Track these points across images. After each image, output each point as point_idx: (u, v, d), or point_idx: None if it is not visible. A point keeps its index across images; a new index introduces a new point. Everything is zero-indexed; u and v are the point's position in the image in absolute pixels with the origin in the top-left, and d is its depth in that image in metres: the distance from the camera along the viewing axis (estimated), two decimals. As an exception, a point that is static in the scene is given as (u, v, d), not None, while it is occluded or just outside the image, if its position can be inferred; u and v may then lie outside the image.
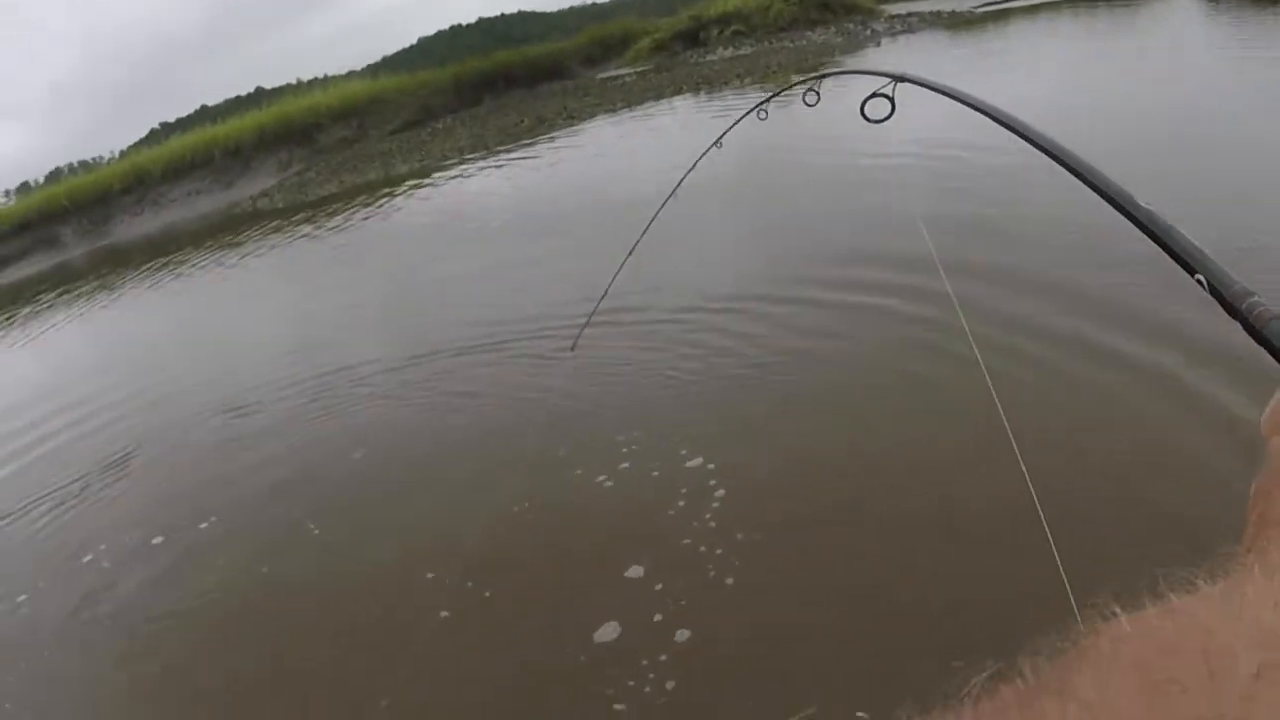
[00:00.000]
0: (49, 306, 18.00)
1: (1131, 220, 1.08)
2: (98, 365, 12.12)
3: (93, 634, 5.36)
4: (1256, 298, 0.86)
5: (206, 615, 5.10)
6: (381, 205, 16.76)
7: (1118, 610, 0.43)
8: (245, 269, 15.15)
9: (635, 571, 4.28)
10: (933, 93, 1.94)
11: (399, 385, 7.63)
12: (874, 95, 2.05)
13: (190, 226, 23.13)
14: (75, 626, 5.46)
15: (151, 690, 4.72)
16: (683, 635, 3.80)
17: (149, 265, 18.52)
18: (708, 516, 4.52)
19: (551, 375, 6.77)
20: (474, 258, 11.06)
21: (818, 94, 3.00)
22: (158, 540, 6.14)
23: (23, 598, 5.97)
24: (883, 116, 2.01)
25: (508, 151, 19.41)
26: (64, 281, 20.73)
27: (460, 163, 19.39)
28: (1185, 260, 0.97)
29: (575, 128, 20.73)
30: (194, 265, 16.76)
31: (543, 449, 5.66)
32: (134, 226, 28.15)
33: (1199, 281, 0.93)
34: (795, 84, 4.06)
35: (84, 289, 18.47)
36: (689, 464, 5.05)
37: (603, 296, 5.21)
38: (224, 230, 19.97)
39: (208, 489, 6.70)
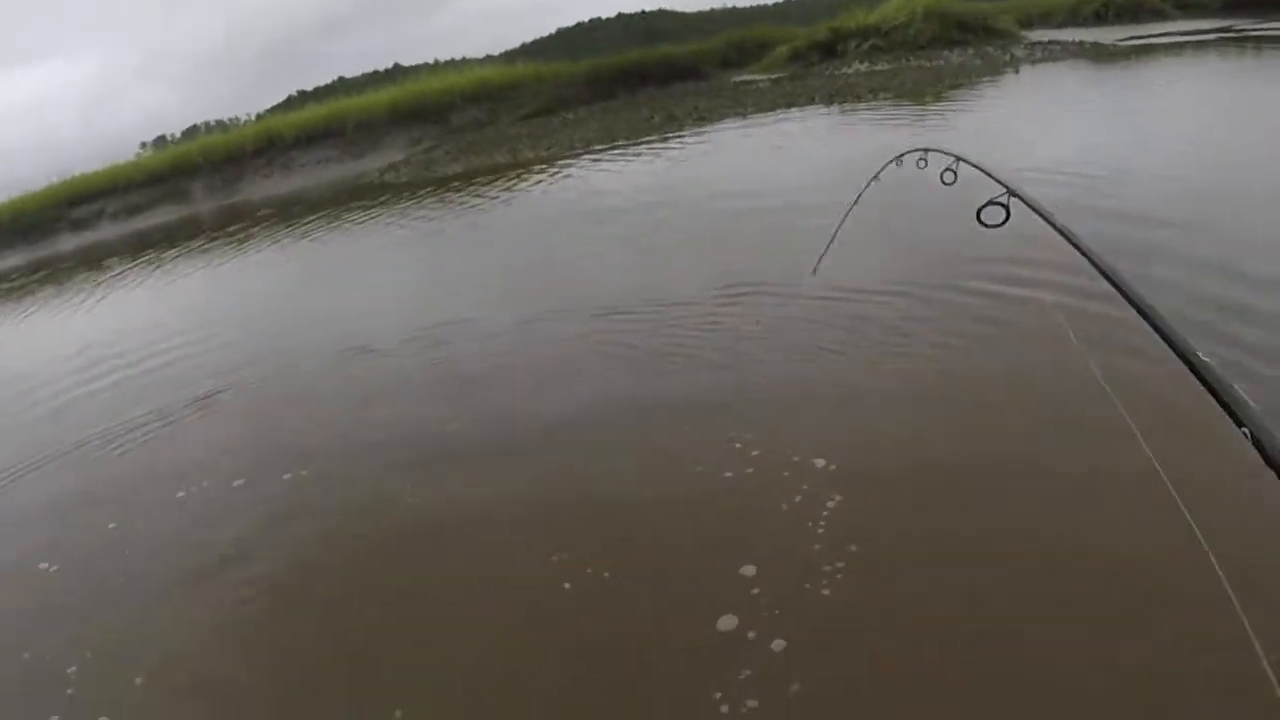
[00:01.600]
0: (176, 257, 18.37)
1: (1189, 368, 1.11)
2: (214, 309, 12.25)
3: (177, 569, 5.22)
4: None
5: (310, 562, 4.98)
6: (509, 186, 16.65)
7: None
8: (370, 234, 15.19)
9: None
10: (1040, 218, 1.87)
11: (523, 343, 7.52)
12: (990, 203, 2.01)
13: (317, 192, 23.44)
14: (162, 560, 5.35)
15: (226, 637, 4.54)
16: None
17: (274, 224, 18.82)
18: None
19: (685, 345, 6.51)
20: (596, 239, 10.81)
21: (954, 173, 2.79)
22: (239, 482, 6.05)
23: (113, 525, 5.89)
24: (998, 222, 1.99)
25: (635, 146, 19.16)
26: (189, 235, 21.19)
27: (587, 153, 19.22)
28: (1234, 412, 1.00)
29: (704, 129, 20.36)
30: (319, 228, 16.90)
31: (670, 422, 5.46)
32: (262, 187, 28.72)
33: (1244, 434, 0.96)
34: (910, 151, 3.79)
35: (210, 245, 18.80)
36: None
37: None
38: (350, 198, 20.14)
39: (316, 433, 6.63)
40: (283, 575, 4.92)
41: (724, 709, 3.19)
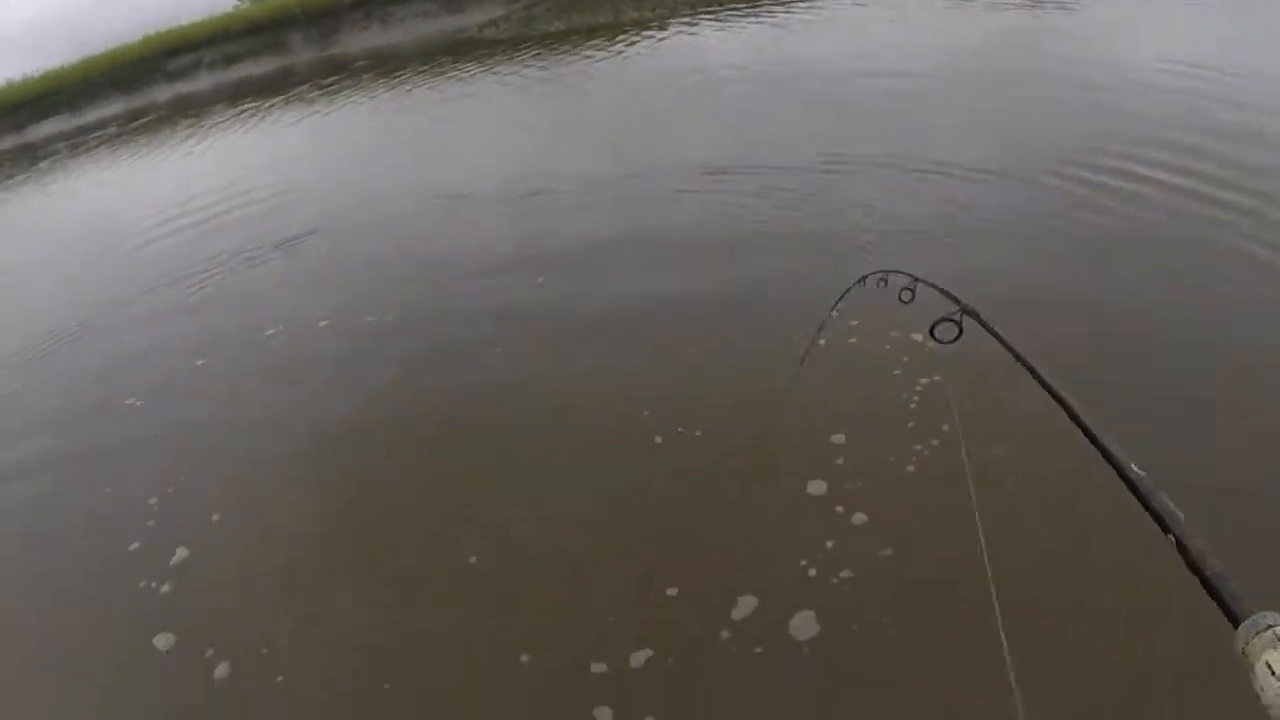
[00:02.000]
0: (271, 107, 18.20)
1: (1122, 479, 1.16)
2: (310, 159, 12.08)
3: (258, 410, 5.10)
4: (1215, 560, 0.94)
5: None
6: (613, 47, 16.01)
7: None
8: (469, 91, 14.75)
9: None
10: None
11: (616, 201, 7.20)
12: (942, 320, 2.05)
13: (415, 46, 22.95)
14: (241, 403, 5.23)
15: (302, 481, 4.45)
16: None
17: (372, 77, 18.48)
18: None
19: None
20: (700, 107, 10.23)
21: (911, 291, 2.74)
22: (324, 323, 5.89)
23: (200, 360, 5.79)
24: (950, 339, 2.02)
25: (739, 11, 18.27)
26: (287, 85, 20.99)
27: (693, 15, 18.38)
28: (1160, 520, 1.04)
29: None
30: (418, 84, 16.49)
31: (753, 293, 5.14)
32: (360, 39, 28.22)
33: (1170, 540, 1.00)
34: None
35: (311, 94, 18.59)
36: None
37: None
38: (448, 53, 19.66)
39: (403, 280, 6.50)
40: (360, 419, 4.79)
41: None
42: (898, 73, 9.29)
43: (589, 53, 15.88)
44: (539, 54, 16.77)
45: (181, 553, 4.00)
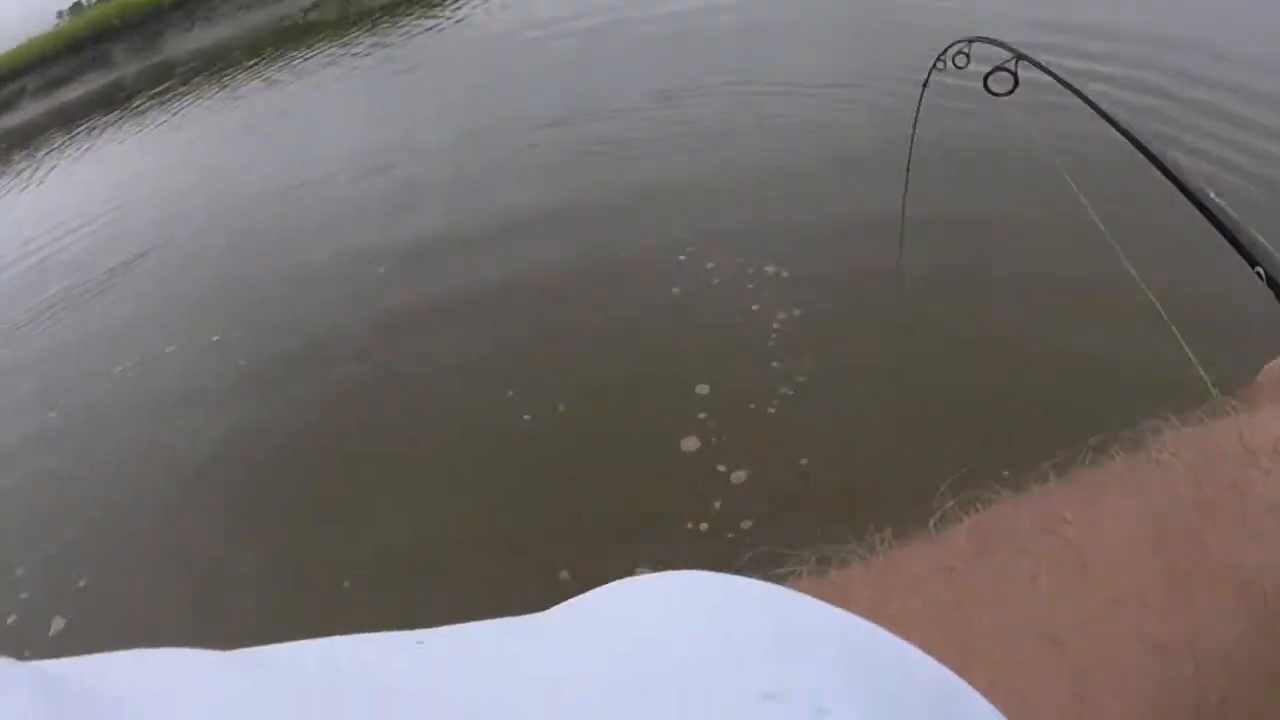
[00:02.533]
0: (105, 125, 17.45)
1: (1202, 212, 1.02)
2: (146, 176, 11.67)
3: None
4: None
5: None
6: (442, 14, 15.66)
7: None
8: (298, 80, 14.30)
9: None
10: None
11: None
12: (997, 70, 1.88)
13: (242, 40, 22.17)
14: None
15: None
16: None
17: (201, 80, 17.82)
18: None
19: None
20: (536, 62, 10.12)
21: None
22: (172, 348, 5.76)
23: (52, 414, 5.65)
24: (1006, 90, 1.88)
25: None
26: (117, 100, 20.14)
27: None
28: (1249, 254, 0.93)
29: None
30: (245, 81, 15.93)
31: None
32: (185, 42, 27.15)
33: (1258, 274, 0.90)
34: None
35: (143, 107, 17.84)
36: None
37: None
38: (275, 43, 19.04)
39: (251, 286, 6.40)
40: (218, 450, 4.75)
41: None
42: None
43: (418, 22, 15.52)
44: (369, 30, 16.34)
45: (59, 623, 3.92)
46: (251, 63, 17.44)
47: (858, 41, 7.40)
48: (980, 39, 2.61)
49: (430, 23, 14.95)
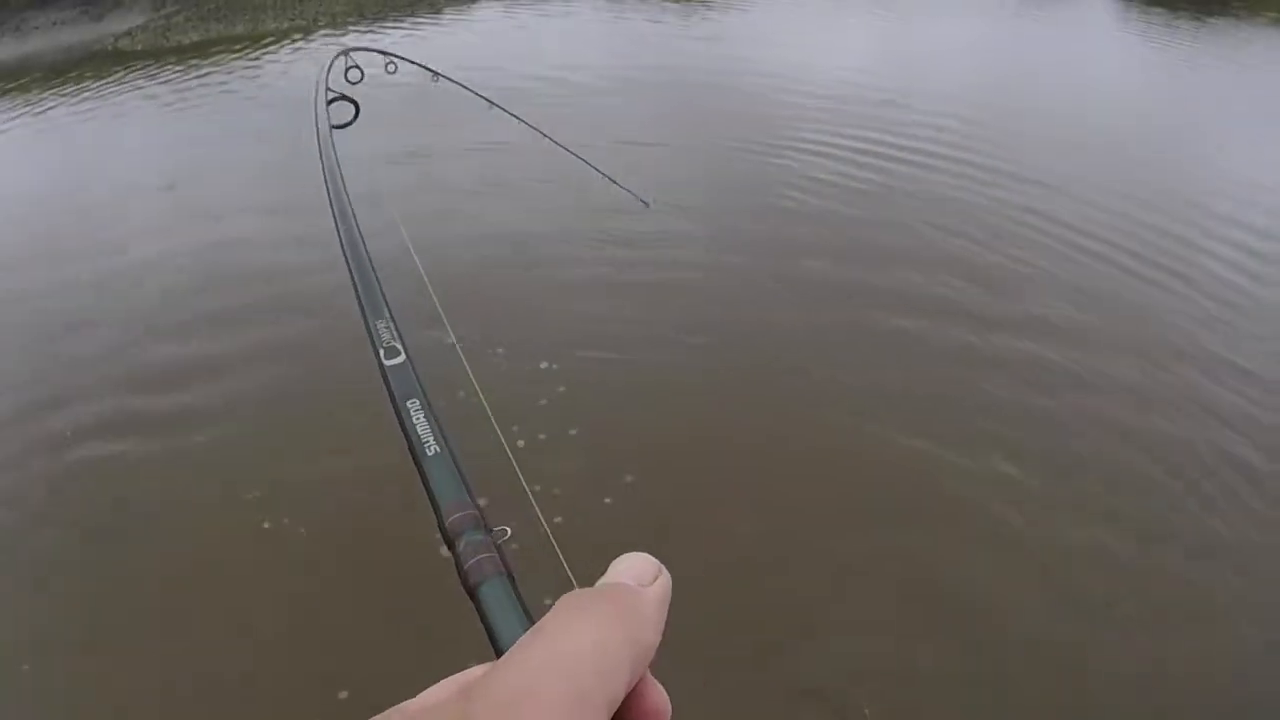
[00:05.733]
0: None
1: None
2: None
3: None
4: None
5: None
6: (254, 55, 16.03)
7: None
8: (97, 107, 14.27)
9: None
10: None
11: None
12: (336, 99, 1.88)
13: (49, 59, 21.76)
14: None
15: None
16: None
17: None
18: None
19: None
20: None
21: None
22: None
23: None
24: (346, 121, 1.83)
25: (388, 22, 18.81)
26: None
27: (338, 26, 18.74)
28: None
29: (465, 7, 20.19)
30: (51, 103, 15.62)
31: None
32: (-7, 52, 26.37)
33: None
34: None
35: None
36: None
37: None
38: (81, 65, 18.83)
39: None
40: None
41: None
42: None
43: (230, 63, 15.81)
44: (176, 64, 16.47)
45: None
46: (51, 85, 17.13)
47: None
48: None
49: (239, 64, 15.30)
